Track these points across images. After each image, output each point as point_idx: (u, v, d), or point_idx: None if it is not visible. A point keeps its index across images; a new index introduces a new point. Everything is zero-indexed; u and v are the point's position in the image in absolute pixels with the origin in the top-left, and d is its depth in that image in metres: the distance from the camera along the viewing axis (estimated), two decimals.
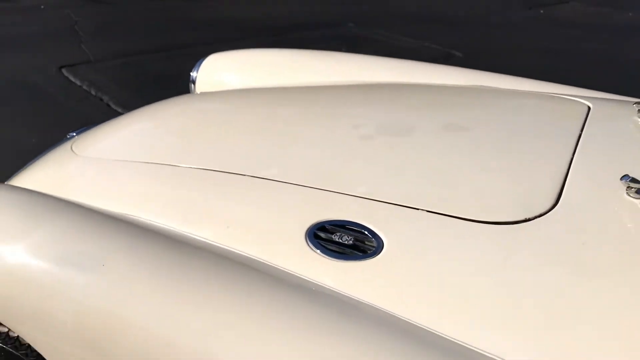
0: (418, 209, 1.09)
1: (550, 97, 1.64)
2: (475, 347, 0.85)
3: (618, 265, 0.97)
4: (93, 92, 4.44)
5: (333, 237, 1.06)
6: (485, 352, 0.84)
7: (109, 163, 1.42)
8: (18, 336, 1.15)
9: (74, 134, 1.85)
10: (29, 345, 1.13)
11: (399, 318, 0.91)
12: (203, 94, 2.11)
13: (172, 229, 1.13)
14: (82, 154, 1.50)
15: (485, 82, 1.79)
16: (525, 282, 0.94)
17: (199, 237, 1.10)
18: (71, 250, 1.03)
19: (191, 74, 2.27)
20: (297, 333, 0.88)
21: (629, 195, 1.08)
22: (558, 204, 1.09)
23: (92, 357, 1.00)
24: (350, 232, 1.07)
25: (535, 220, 1.05)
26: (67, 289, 1.00)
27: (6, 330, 1.16)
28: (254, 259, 1.04)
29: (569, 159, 1.22)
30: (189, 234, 1.11)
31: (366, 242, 1.05)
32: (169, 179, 1.29)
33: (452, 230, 1.05)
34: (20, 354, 1.14)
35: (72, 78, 4.74)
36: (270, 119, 1.55)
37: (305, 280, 0.99)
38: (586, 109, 1.50)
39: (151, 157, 1.40)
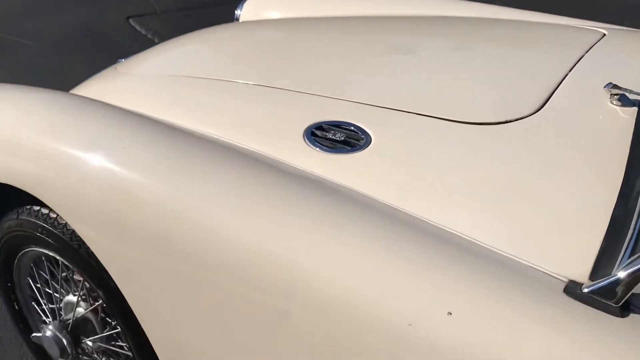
0: (407, 112, 1.18)
1: (566, 26, 1.67)
2: (450, 229, 0.95)
3: (588, 164, 1.04)
4: (157, 40, 4.66)
5: (328, 134, 1.17)
6: (459, 232, 0.94)
7: (144, 77, 1.57)
8: (57, 215, 1.32)
9: (122, 60, 2.02)
10: (66, 224, 1.30)
11: (381, 202, 1.01)
12: (237, 22, 2.23)
13: (188, 126, 1.26)
14: (123, 71, 1.66)
15: (508, 16, 1.82)
16: (500, 173, 1.03)
17: (216, 135, 1.24)
18: (98, 135, 1.18)
19: (235, 12, 2.39)
20: (291, 210, 1.00)
21: (612, 102, 1.13)
22: (541, 109, 1.15)
23: (116, 229, 1.16)
24: (343, 131, 1.17)
25: (516, 121, 1.12)
26: (94, 169, 1.16)
27: (47, 211, 1.34)
28: (258, 152, 1.17)
29: (564, 75, 1.27)
30: (207, 132, 1.24)
31: (356, 139, 1.15)
32: (192, 88, 1.42)
33: (436, 129, 1.14)
34: (58, 231, 1.32)
35: (138, 28, 4.98)
36: (294, 40, 1.66)
37: (300, 169, 1.11)
38: (600, 35, 1.52)
39: (182, 71, 1.54)
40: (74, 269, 1.38)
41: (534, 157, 1.05)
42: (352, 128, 1.17)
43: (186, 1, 5.83)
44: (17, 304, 1.65)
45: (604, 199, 0.94)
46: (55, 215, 1.34)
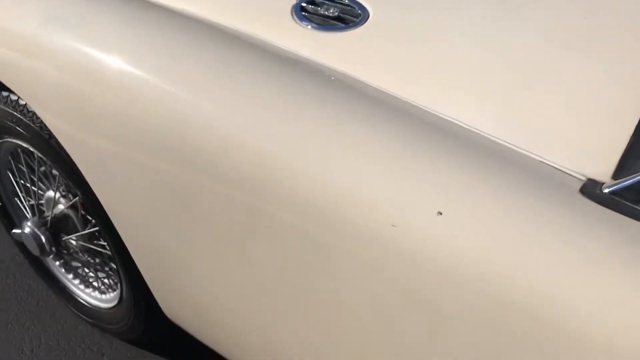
0: None
1: None
2: (451, 117, 0.80)
3: (623, 48, 0.87)
4: None
5: (319, 9, 1.01)
6: (462, 122, 0.79)
7: None
8: (26, 103, 1.21)
9: None
10: (35, 112, 1.19)
11: (373, 86, 0.86)
12: None
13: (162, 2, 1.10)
14: None
15: None
16: (515, 54, 0.87)
17: (193, 11, 1.08)
18: (54, 14, 1.04)
19: None
20: (270, 97, 0.86)
21: None
22: None
23: (79, 115, 1.04)
24: (337, 5, 1.01)
25: None
26: (54, 48, 1.02)
27: (16, 97, 1.22)
28: (240, 31, 1.01)
29: None
30: (183, 8, 1.08)
31: (351, 15, 0.98)
32: None
33: (444, 2, 0.96)
34: (27, 119, 1.20)
35: None
36: None
37: (285, 49, 0.96)
38: None
39: None
40: (48, 162, 1.28)
41: (557, 35, 0.88)
42: (347, 1, 1.00)
43: None
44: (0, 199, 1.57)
45: (637, 92, 0.78)
46: (24, 102, 1.22)
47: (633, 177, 0.66)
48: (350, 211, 0.74)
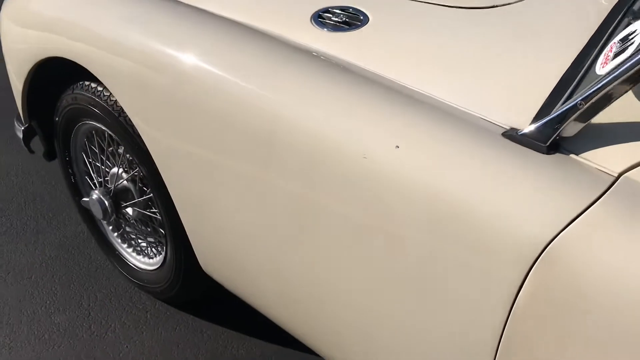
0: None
1: None
2: (417, 88, 1.06)
3: (558, 42, 1.12)
4: None
5: (332, 17, 1.30)
6: (428, 93, 1.05)
7: None
8: (103, 88, 1.53)
9: None
10: (109, 95, 1.51)
11: (364, 68, 1.14)
12: None
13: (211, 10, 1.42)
14: None
15: None
16: (475, 46, 1.14)
17: (232, 17, 1.38)
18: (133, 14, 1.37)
19: None
20: (307, 77, 1.14)
21: None
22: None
23: (140, 90, 1.35)
24: (345, 14, 1.30)
25: (502, 7, 1.21)
26: (130, 41, 1.35)
27: (95, 85, 1.55)
28: (271, 32, 1.31)
29: None
30: (225, 15, 1.39)
31: (355, 20, 1.27)
32: None
33: (429, 13, 1.24)
34: (103, 102, 1.52)
35: None
36: None
37: (307, 46, 1.25)
38: None
39: None
40: (116, 138, 1.59)
41: (511, 35, 1.15)
42: (351, 10, 1.29)
43: None
44: (73, 178, 1.89)
45: (562, 68, 1.03)
46: (101, 88, 1.54)
47: (539, 121, 0.91)
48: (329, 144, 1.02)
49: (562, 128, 0.88)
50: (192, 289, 1.71)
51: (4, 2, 1.76)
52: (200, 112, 1.24)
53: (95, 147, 1.75)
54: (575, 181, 0.85)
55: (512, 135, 0.93)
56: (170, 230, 1.57)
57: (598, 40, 1.04)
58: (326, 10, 1.32)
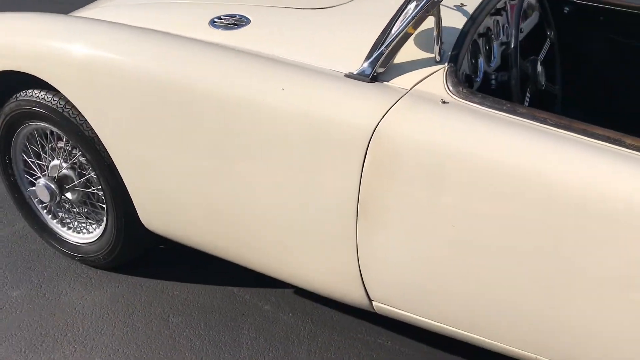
0: (276, 7, 1.89)
1: None
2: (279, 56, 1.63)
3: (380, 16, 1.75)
4: None
5: (224, 21, 1.85)
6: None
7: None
8: (46, 92, 1.95)
9: None
10: (53, 96, 1.93)
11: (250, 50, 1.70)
12: None
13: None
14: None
15: None
16: (321, 29, 1.74)
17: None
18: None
19: None
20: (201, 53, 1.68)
21: None
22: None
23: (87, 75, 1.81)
24: (233, 18, 1.86)
25: (337, 7, 1.84)
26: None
27: (38, 91, 1.96)
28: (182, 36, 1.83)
29: None
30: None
31: (241, 22, 1.84)
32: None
33: (294, 15, 1.85)
34: (47, 102, 1.94)
35: None
36: None
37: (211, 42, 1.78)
38: None
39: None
40: (58, 132, 2.01)
41: (347, 20, 1.78)
42: (237, 15, 1.86)
43: None
44: (12, 177, 2.25)
45: (374, 36, 1.65)
46: (44, 93, 1.96)
47: (365, 61, 1.51)
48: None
49: (377, 66, 1.49)
50: (130, 249, 2.14)
51: None
52: (141, 92, 1.72)
53: (37, 146, 2.14)
54: (386, 93, 1.46)
55: (349, 75, 1.53)
56: (111, 198, 2.00)
57: (396, 16, 1.69)
58: (219, 17, 1.88)
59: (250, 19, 1.84)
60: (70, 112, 1.92)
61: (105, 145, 1.88)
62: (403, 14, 1.56)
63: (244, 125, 1.58)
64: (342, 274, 1.61)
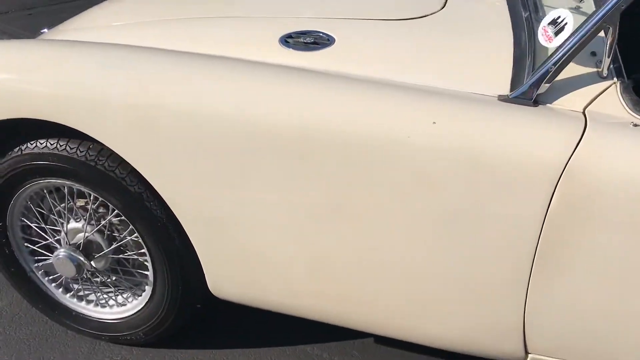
0: (354, 19, 1.59)
1: None
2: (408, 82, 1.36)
3: (472, 35, 1.52)
4: (5, 37, 4.55)
5: (299, 39, 1.53)
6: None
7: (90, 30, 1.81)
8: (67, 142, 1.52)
9: (45, 30, 2.15)
10: (78, 146, 1.51)
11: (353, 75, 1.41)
12: None
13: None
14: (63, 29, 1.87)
15: None
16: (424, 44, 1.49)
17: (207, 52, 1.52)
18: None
19: None
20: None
21: None
22: (444, 7, 1.63)
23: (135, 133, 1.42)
24: (311, 36, 1.54)
25: (429, 16, 1.59)
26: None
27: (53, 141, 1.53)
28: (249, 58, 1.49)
29: None
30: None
31: (322, 40, 1.53)
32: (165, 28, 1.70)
33: (383, 28, 1.57)
34: (70, 154, 1.52)
35: None
36: None
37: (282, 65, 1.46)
38: None
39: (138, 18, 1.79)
40: (85, 189, 1.59)
41: (451, 30, 1.53)
42: (312, 32, 1.55)
43: (26, 1, 5.66)
44: (7, 248, 1.77)
45: (505, 50, 1.43)
46: (64, 143, 1.53)
47: (522, 87, 1.28)
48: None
49: (540, 87, 1.27)
50: (181, 320, 1.76)
51: None
52: (223, 136, 1.37)
53: (43, 208, 1.69)
54: (564, 119, 1.24)
55: (505, 98, 1.29)
56: (164, 264, 1.61)
57: (520, 27, 1.47)
58: (289, 35, 1.55)
59: (333, 36, 1.53)
60: (105, 164, 1.52)
61: (166, 201, 1.50)
62: (549, 21, 1.34)
63: (378, 168, 1.30)
64: (502, 328, 1.39)
